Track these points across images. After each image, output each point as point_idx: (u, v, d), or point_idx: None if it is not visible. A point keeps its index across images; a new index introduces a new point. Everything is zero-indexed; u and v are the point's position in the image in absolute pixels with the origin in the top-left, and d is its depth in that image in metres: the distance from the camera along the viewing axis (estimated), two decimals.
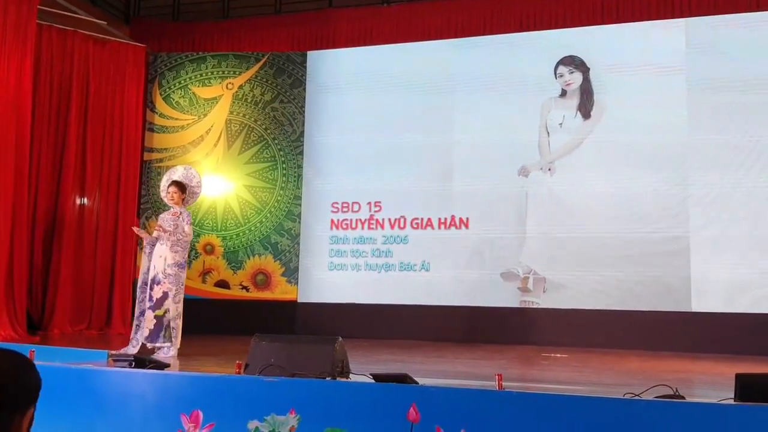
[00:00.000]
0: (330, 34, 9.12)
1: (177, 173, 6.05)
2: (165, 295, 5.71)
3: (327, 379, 3.63)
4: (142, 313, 5.75)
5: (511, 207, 8.19)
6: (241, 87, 9.25)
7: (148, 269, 5.81)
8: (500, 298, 8.07)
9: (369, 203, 8.65)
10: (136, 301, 5.87)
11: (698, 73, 7.73)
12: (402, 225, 8.53)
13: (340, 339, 3.84)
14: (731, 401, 3.25)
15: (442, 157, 8.48)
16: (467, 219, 8.26)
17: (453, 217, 8.36)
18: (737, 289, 7.35)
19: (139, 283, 5.88)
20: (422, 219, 8.47)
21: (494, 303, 8.06)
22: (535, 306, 7.97)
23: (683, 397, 3.19)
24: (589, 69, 8.17)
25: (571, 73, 8.24)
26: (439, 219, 8.40)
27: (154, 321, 5.67)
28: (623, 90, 7.99)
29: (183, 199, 5.93)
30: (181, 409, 3.55)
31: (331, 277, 8.67)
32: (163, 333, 5.67)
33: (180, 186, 5.91)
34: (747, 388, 3.17)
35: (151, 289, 5.73)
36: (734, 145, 7.53)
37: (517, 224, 8.15)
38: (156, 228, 5.82)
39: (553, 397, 3.14)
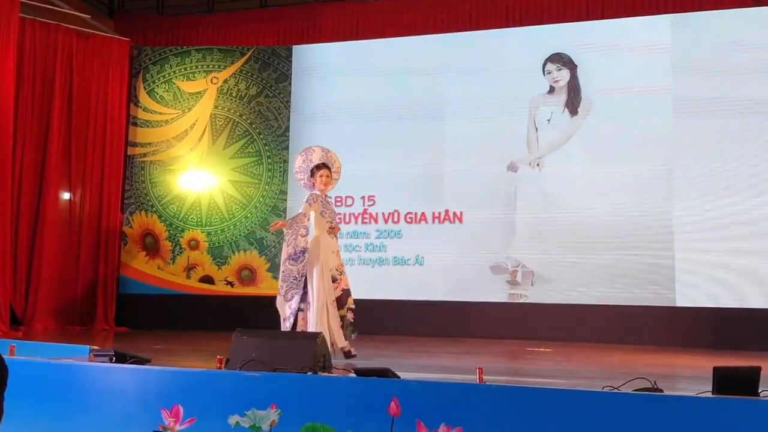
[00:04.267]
0: (316, 29, 9.10)
1: (316, 155, 5.49)
2: (347, 293, 5.37)
3: (308, 373, 3.63)
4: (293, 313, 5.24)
5: (501, 201, 8.24)
6: (226, 81, 9.21)
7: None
8: (490, 291, 8.12)
9: (363, 197, 8.65)
10: (292, 300, 5.29)
11: (684, 71, 7.76)
12: (396, 219, 8.54)
13: (322, 334, 3.86)
14: (709, 394, 3.28)
15: (434, 152, 8.49)
16: (461, 213, 8.29)
17: (447, 212, 8.38)
18: (720, 285, 7.41)
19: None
20: (416, 213, 8.49)
21: (484, 297, 8.10)
22: (523, 299, 8.03)
23: (661, 391, 3.22)
24: (576, 66, 8.21)
25: (559, 70, 8.28)
26: (433, 213, 8.43)
27: (340, 323, 5.26)
28: (609, 87, 8.03)
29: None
30: (162, 404, 3.53)
31: None
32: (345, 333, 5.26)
33: (329, 169, 5.43)
34: (724, 381, 3.20)
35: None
36: (719, 137, 7.57)
37: (507, 219, 8.20)
38: (330, 223, 5.33)
39: (532, 390, 3.15)
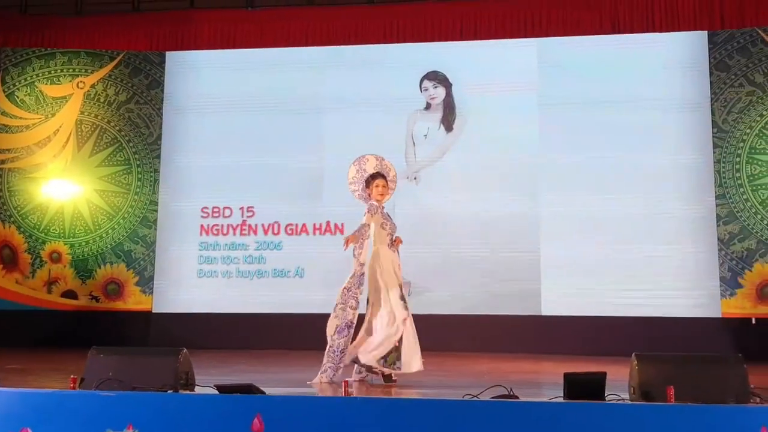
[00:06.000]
0: (191, 35, 8.85)
1: (370, 164, 5.26)
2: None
3: (169, 392, 3.51)
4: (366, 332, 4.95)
5: None
6: (93, 86, 8.79)
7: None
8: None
9: (241, 208, 8.50)
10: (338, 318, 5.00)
11: (548, 92, 8.19)
12: (276, 231, 8.44)
13: (185, 350, 3.73)
14: (561, 399, 3.46)
15: (313, 164, 8.47)
16: (342, 224, 8.30)
17: (328, 223, 8.38)
18: (580, 296, 7.83)
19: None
20: (297, 225, 8.43)
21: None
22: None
23: (517, 397, 3.36)
24: (451, 84, 8.47)
25: (435, 87, 8.51)
26: (314, 224, 8.40)
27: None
28: (482, 106, 8.34)
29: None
30: (9, 428, 3.34)
31: (199, 285, 8.42)
32: None
33: (385, 178, 5.17)
34: (574, 386, 3.39)
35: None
36: (580, 163, 8.03)
37: None
38: (391, 236, 5.08)
39: (395, 401, 3.21)
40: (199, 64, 8.83)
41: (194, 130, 8.70)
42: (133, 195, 8.64)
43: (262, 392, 3.41)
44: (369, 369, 4.95)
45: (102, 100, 8.78)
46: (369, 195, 5.23)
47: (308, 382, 4.93)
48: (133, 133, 8.75)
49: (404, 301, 5.03)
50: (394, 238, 5.17)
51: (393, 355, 4.90)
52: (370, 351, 4.90)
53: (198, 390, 3.74)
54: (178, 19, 8.89)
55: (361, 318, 5.14)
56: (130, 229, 8.57)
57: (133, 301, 8.42)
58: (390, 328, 4.91)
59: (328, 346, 5.04)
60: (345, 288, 5.09)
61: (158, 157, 8.68)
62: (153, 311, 8.41)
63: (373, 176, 5.22)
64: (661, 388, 3.36)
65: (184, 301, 8.43)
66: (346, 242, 5.09)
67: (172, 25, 8.87)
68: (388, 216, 5.24)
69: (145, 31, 8.90)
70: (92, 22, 9.01)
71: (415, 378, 5.01)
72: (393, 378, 4.90)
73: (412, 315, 7.96)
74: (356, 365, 5.05)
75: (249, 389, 3.34)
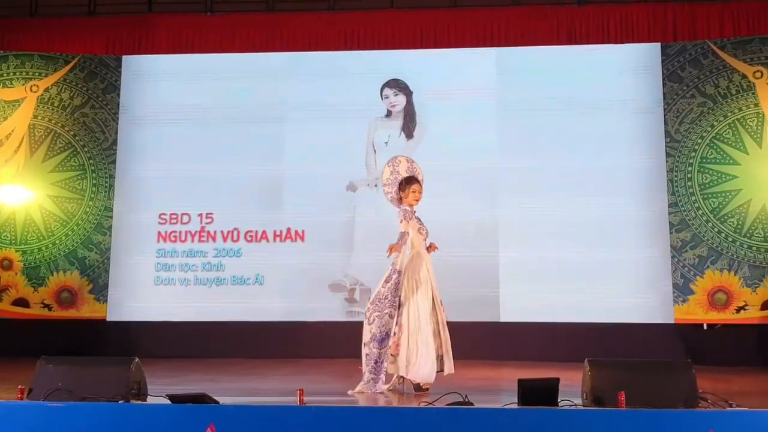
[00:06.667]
0: (149, 39, 8.72)
1: (402, 166, 5.24)
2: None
3: (120, 402, 3.45)
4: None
5: (341, 221, 8.32)
6: (47, 90, 8.60)
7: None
8: (328, 310, 8.14)
9: (200, 214, 8.38)
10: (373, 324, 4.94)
11: (507, 99, 8.29)
12: (235, 237, 8.35)
13: (137, 360, 3.67)
14: (515, 405, 3.49)
15: (274, 170, 8.41)
16: (303, 231, 8.27)
17: (288, 230, 8.33)
18: (538, 302, 7.92)
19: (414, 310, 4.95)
20: (257, 231, 8.35)
21: (322, 316, 8.12)
22: (360, 316, 8.10)
23: (472, 404, 3.38)
24: (412, 92, 8.51)
25: (396, 95, 8.54)
26: (275, 231, 8.33)
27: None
28: (442, 113, 8.39)
29: None
30: None
31: (156, 293, 8.28)
32: None
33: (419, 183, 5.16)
34: (527, 392, 3.43)
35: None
36: (538, 169, 8.13)
37: (346, 237, 8.30)
38: (425, 240, 5.01)
39: (350, 409, 3.20)
40: (157, 69, 8.70)
41: (151, 137, 8.56)
42: (87, 201, 8.47)
43: (216, 402, 3.37)
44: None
45: (56, 104, 8.60)
46: (401, 198, 5.20)
47: (349, 392, 4.83)
48: (88, 138, 8.58)
49: (440, 308, 5.02)
50: (430, 243, 5.16)
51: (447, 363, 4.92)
52: (421, 367, 4.84)
53: (150, 400, 3.68)
54: (135, 23, 8.76)
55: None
56: (84, 236, 8.40)
57: (87, 309, 8.24)
58: (427, 336, 4.88)
59: (364, 355, 4.97)
60: (379, 296, 5.04)
61: (113, 162, 8.53)
62: (108, 320, 8.25)
63: (409, 180, 5.19)
64: (612, 393, 3.42)
65: (140, 310, 8.28)
66: (390, 251, 5.04)
67: (129, 28, 8.73)
68: (421, 220, 5.20)
69: (101, 34, 8.74)
70: (47, 24, 8.82)
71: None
72: (424, 386, 4.83)
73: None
74: (395, 375, 4.99)
75: (202, 399, 3.29)
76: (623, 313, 7.77)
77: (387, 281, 5.04)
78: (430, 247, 5.17)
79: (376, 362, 4.90)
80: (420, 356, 4.83)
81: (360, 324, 8.01)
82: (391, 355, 4.93)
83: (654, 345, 7.53)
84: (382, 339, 4.94)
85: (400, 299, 4.99)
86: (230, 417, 3.17)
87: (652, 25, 8.26)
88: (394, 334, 4.91)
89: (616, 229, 7.95)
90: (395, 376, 4.99)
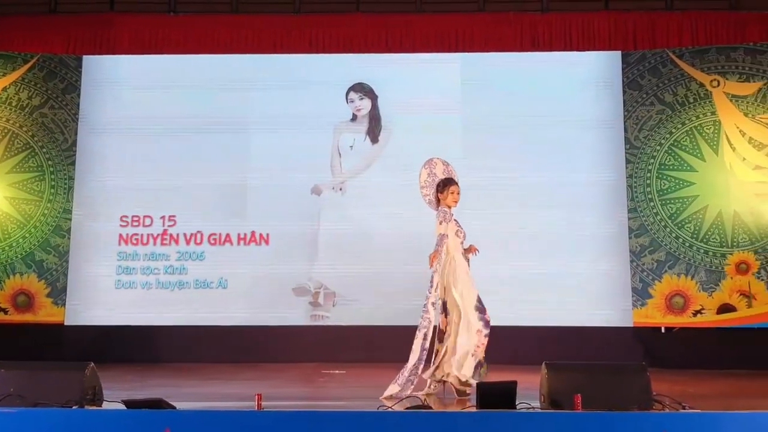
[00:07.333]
0: (111, 39, 8.56)
1: (438, 168, 5.23)
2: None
3: (74, 407, 3.39)
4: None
5: (305, 224, 8.28)
6: (5, 89, 8.40)
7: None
8: (292, 314, 8.11)
9: (162, 217, 8.27)
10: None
11: (471, 105, 8.32)
12: (198, 240, 8.25)
13: (92, 364, 3.61)
14: (474, 409, 3.51)
15: (237, 170, 8.34)
16: (267, 235, 8.21)
17: (253, 233, 8.26)
18: (499, 308, 7.89)
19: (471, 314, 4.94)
20: (220, 234, 8.25)
21: (286, 320, 8.08)
22: (324, 320, 8.11)
23: (430, 407, 3.40)
24: (377, 96, 8.52)
25: (361, 99, 8.55)
26: (239, 234, 8.26)
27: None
28: (407, 118, 8.40)
29: None
30: None
31: (117, 297, 8.14)
32: None
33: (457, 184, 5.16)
34: (486, 395, 3.45)
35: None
36: (500, 177, 8.17)
37: (311, 241, 8.26)
38: (464, 242, 4.96)
39: (307, 414, 3.19)
40: (118, 71, 8.56)
41: (112, 144, 8.41)
42: (45, 203, 8.30)
43: (173, 407, 3.33)
44: (443, 382, 4.91)
45: (14, 104, 8.42)
46: (439, 200, 5.20)
47: (383, 396, 4.75)
48: (47, 139, 8.42)
49: (481, 311, 5.00)
50: (467, 245, 5.15)
51: (484, 368, 4.89)
52: (459, 371, 4.81)
53: (106, 405, 3.62)
54: (96, 23, 8.60)
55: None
56: (41, 239, 8.23)
57: (45, 313, 8.07)
58: (469, 341, 4.87)
59: (415, 360, 4.94)
60: (431, 302, 5.01)
61: (73, 164, 8.37)
62: (66, 324, 8.09)
63: (447, 182, 5.19)
64: (569, 395, 3.47)
65: (99, 314, 8.14)
66: (432, 261, 5.02)
67: (90, 28, 8.56)
68: (459, 222, 5.20)
69: (61, 33, 8.56)
70: (5, 22, 8.62)
71: (334, 391, 5.00)
72: (467, 392, 4.77)
73: (337, 326, 8.09)
74: (429, 380, 4.97)
75: (158, 404, 3.25)
76: (583, 317, 7.87)
77: (434, 287, 5.03)
78: (470, 250, 5.17)
79: (415, 366, 4.91)
80: (467, 357, 4.86)
81: (324, 328, 8.07)
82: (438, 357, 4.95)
83: (613, 348, 7.63)
84: (424, 346, 4.95)
85: (444, 303, 5.02)
86: (186, 422, 3.14)
87: (613, 33, 8.40)
88: (442, 336, 4.93)
89: (575, 233, 8.04)
90: (430, 381, 4.99)
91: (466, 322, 4.92)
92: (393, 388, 4.83)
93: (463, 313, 4.94)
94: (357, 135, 8.51)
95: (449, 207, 5.16)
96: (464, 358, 4.83)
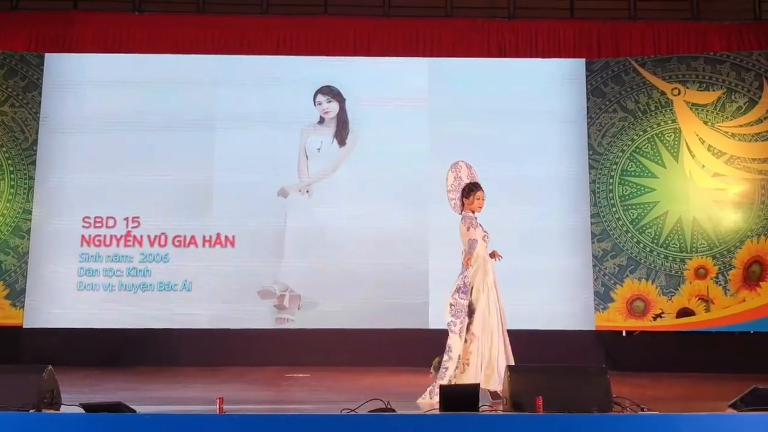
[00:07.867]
0: (73, 38, 8.42)
1: (464, 172, 5.19)
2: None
3: (31, 411, 3.32)
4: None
5: (271, 227, 8.26)
6: None
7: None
8: (257, 317, 8.06)
9: (126, 218, 8.16)
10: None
11: (438, 108, 8.40)
12: (163, 242, 8.16)
13: (50, 367, 3.54)
14: (437, 411, 3.53)
15: (203, 171, 8.27)
16: (233, 237, 8.16)
17: (218, 236, 8.19)
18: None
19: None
20: (185, 236, 8.17)
21: (250, 323, 8.03)
22: (289, 323, 8.08)
23: (394, 410, 3.41)
24: (345, 99, 8.52)
25: (329, 102, 8.54)
26: (204, 236, 8.18)
27: None
28: (374, 121, 8.43)
29: None
30: None
31: (78, 299, 8.01)
32: None
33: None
34: (449, 398, 3.47)
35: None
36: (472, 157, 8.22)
37: (277, 244, 8.23)
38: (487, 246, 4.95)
39: (269, 417, 3.16)
40: (81, 70, 8.42)
41: (74, 138, 8.29)
42: (4, 203, 8.11)
43: (132, 410, 3.28)
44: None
45: None
46: (464, 205, 5.19)
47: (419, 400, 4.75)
48: (7, 138, 8.24)
49: (501, 316, 5.03)
50: (493, 251, 5.16)
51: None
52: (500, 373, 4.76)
53: (64, 409, 3.56)
54: (59, 20, 8.46)
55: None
56: (0, 239, 8.05)
57: (2, 315, 7.89)
58: (493, 344, 4.92)
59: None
60: (458, 307, 5.03)
61: (33, 163, 8.21)
62: (24, 326, 7.92)
63: (473, 187, 5.16)
64: (531, 398, 3.50)
65: (60, 316, 7.99)
66: (466, 264, 5.04)
67: (53, 25, 8.42)
68: (482, 226, 5.20)
69: (23, 30, 8.40)
70: None
71: (298, 395, 4.98)
72: (500, 395, 4.66)
73: (301, 329, 8.06)
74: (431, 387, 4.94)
75: (117, 407, 3.20)
76: (546, 320, 7.95)
77: (467, 291, 5.02)
78: (493, 255, 5.16)
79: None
80: (499, 363, 4.87)
81: (289, 331, 8.02)
82: (463, 363, 4.92)
83: (575, 351, 7.74)
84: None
85: (472, 307, 5.01)
86: (146, 426, 3.10)
87: (578, 41, 8.53)
88: (466, 341, 4.93)
89: (539, 237, 8.15)
90: (432, 387, 4.94)
91: (488, 327, 4.97)
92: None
93: (493, 318, 5.00)
94: (324, 138, 8.50)
95: (473, 212, 5.17)
96: (496, 361, 4.90)
